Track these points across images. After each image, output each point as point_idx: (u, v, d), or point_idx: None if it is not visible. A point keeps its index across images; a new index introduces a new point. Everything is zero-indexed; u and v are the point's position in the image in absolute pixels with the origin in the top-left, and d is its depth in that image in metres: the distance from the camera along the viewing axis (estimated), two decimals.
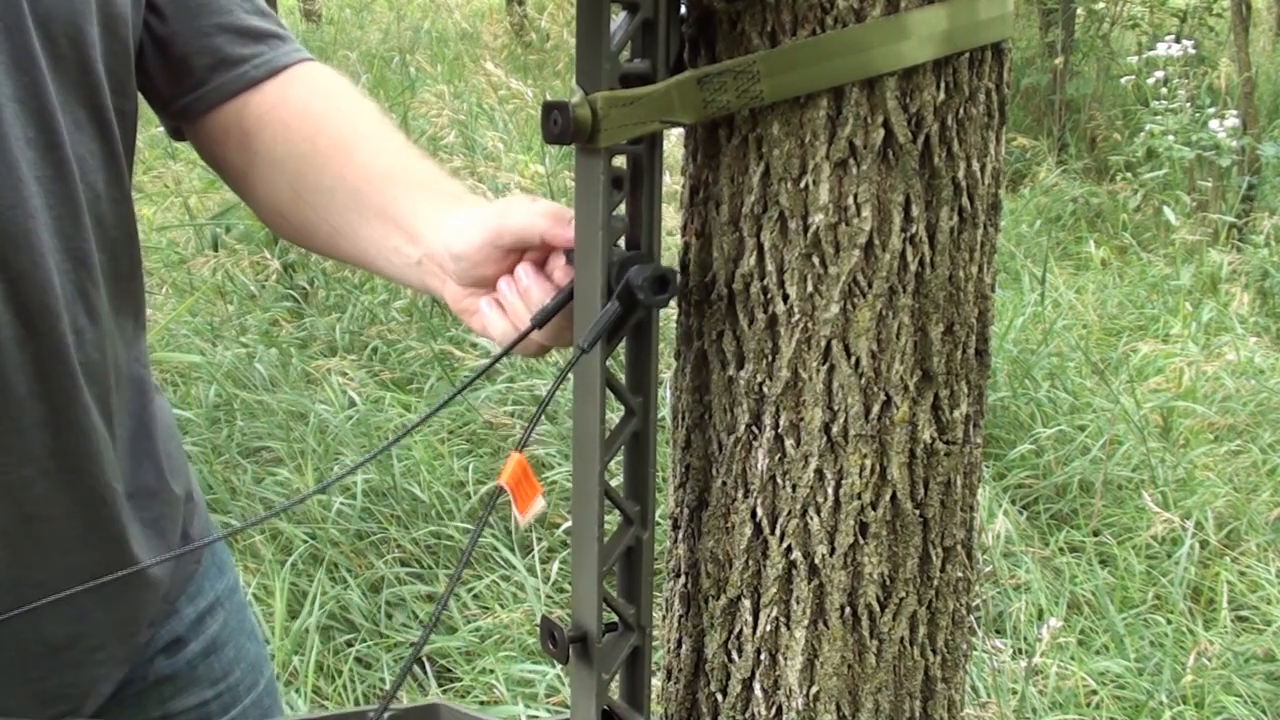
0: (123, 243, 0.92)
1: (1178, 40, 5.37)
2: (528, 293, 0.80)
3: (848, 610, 0.74)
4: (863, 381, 0.71)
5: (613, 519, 0.73)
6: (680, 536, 0.80)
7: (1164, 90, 5.19)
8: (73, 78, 0.84)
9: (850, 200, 0.68)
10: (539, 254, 0.81)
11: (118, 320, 0.92)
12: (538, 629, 2.43)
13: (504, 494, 0.68)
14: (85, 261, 0.86)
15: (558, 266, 0.80)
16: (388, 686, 2.29)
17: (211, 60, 0.95)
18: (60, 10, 0.82)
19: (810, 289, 0.70)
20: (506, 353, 0.81)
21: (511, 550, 2.60)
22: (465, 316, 0.86)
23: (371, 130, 0.97)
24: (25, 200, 0.80)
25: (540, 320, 0.76)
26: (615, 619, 0.76)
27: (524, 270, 0.81)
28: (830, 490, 0.72)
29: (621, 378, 0.74)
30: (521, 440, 0.68)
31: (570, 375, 0.71)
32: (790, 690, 0.75)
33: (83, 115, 0.86)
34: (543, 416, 3.00)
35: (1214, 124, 4.92)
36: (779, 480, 0.73)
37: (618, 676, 0.77)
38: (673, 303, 0.80)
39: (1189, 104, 5.11)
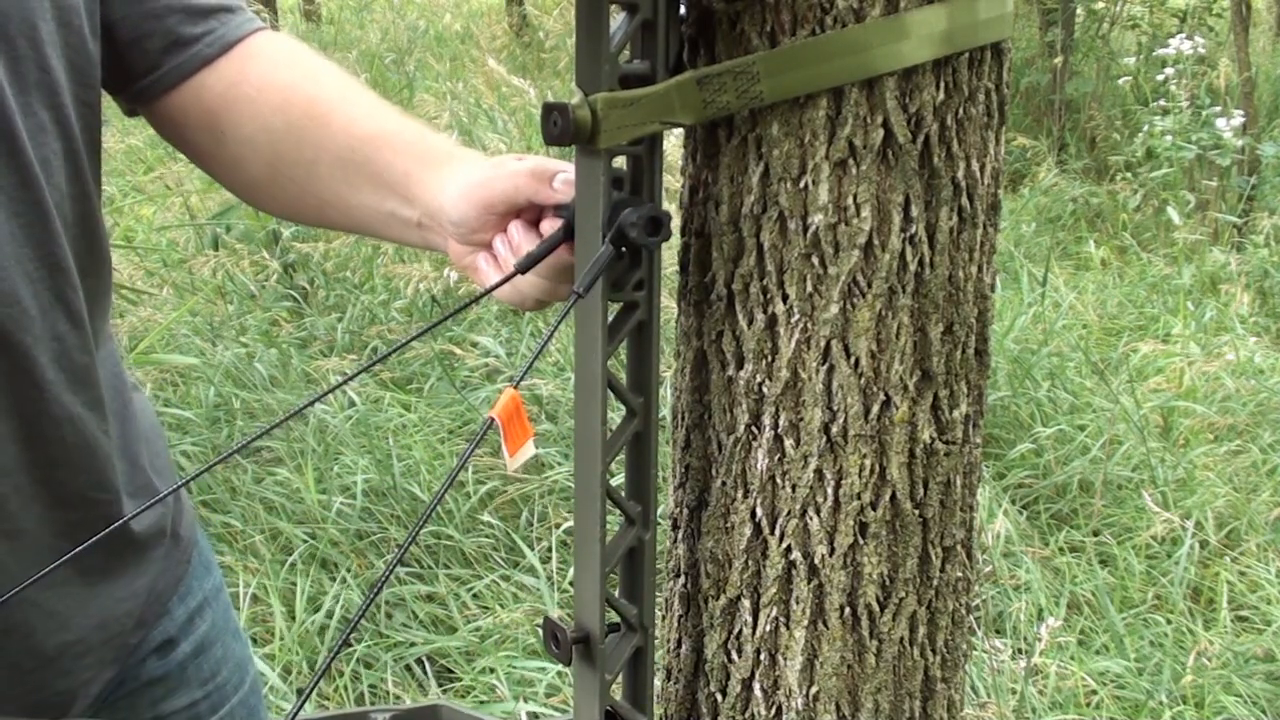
0: (85, 240, 0.89)
1: (1189, 38, 5.36)
2: (519, 249, 0.81)
3: (847, 610, 0.74)
4: (862, 381, 0.71)
5: (614, 520, 0.73)
6: (680, 537, 0.80)
7: (1169, 89, 5.18)
8: (32, 79, 0.82)
9: (850, 200, 0.68)
10: (532, 212, 0.83)
11: (96, 321, 0.91)
12: (538, 629, 2.43)
13: (494, 426, 0.67)
14: (61, 266, 0.84)
15: (547, 220, 0.81)
16: (389, 688, 2.29)
17: (163, 42, 0.92)
18: (13, 10, 0.80)
19: (810, 289, 0.70)
20: (488, 293, 0.82)
21: (511, 549, 2.60)
22: (469, 273, 0.87)
23: (342, 93, 0.95)
24: None
25: (524, 266, 0.77)
26: (618, 619, 0.76)
27: (515, 228, 0.83)
28: (830, 490, 0.72)
29: (623, 378, 0.74)
30: (518, 377, 0.68)
31: (572, 372, 0.71)
32: (790, 690, 0.75)
33: (45, 117, 0.83)
34: (543, 415, 3.01)
35: (1220, 122, 4.91)
36: (778, 480, 0.73)
37: (620, 677, 0.77)
38: (672, 303, 0.80)
39: (1189, 103, 5.11)
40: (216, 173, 1.00)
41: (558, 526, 2.66)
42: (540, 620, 2.35)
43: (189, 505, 1.07)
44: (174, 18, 0.92)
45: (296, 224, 0.94)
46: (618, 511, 0.75)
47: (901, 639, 0.75)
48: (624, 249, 0.70)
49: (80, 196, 0.88)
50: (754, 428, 0.73)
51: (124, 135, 5.25)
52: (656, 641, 0.79)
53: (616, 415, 0.76)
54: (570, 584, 2.49)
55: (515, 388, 0.67)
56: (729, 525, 0.76)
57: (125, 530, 0.94)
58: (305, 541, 2.60)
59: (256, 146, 0.94)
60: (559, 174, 0.80)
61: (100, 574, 0.93)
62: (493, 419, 0.66)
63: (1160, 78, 5.36)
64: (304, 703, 0.55)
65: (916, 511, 0.73)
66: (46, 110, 0.84)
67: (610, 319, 0.71)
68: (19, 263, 0.81)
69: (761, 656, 0.76)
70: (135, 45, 0.92)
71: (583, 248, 0.71)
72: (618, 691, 0.78)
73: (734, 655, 0.77)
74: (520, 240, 0.82)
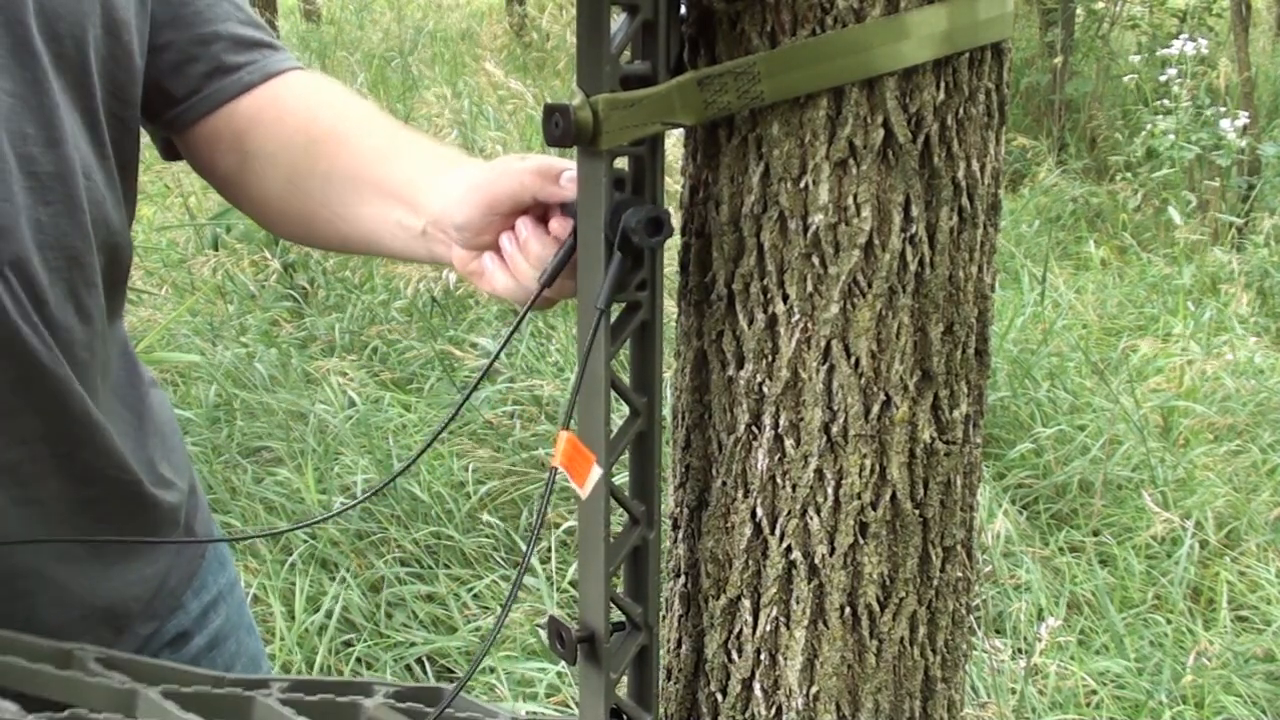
0: (122, 250, 0.93)
1: (1192, 39, 5.36)
2: (527, 245, 0.81)
3: (848, 610, 0.74)
4: (862, 381, 0.71)
5: (614, 521, 0.73)
6: (680, 536, 0.80)
7: (1174, 88, 5.18)
8: (74, 78, 0.85)
9: (850, 200, 0.68)
10: (538, 209, 0.83)
11: (108, 321, 0.93)
12: (539, 629, 2.43)
13: (558, 474, 0.69)
14: (80, 261, 0.86)
15: (554, 218, 0.81)
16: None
17: (208, 67, 0.96)
18: (66, 10, 0.83)
19: (810, 289, 0.70)
20: (525, 316, 0.82)
21: (511, 549, 2.60)
22: (473, 279, 0.88)
23: (364, 116, 0.98)
24: (12, 195, 0.81)
25: (547, 280, 0.77)
26: (622, 618, 0.76)
27: (523, 224, 0.82)
28: (830, 490, 0.72)
29: (625, 378, 0.75)
30: (565, 418, 0.69)
31: (573, 373, 0.71)
32: (790, 690, 0.75)
33: (80, 118, 0.86)
34: (543, 416, 3.01)
35: (1224, 123, 4.91)
36: (779, 480, 0.73)
37: (625, 675, 0.77)
38: (672, 303, 0.80)
39: (1190, 103, 5.11)
40: (240, 195, 1.02)
41: (558, 526, 2.66)
42: (541, 620, 2.35)
43: (204, 501, 1.08)
44: (220, 44, 0.96)
45: (311, 246, 0.98)
46: (618, 512, 0.75)
47: (902, 639, 0.75)
48: (625, 250, 0.70)
49: (115, 203, 0.91)
50: (754, 427, 0.73)
51: None
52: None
53: (617, 416, 0.76)
54: (570, 584, 2.49)
55: (566, 428, 0.68)
56: (729, 525, 0.76)
57: (140, 517, 0.96)
58: (305, 541, 2.60)
59: (277, 163, 0.97)
60: (565, 171, 0.80)
61: (117, 555, 0.95)
62: (556, 468, 0.67)
63: (1163, 78, 5.35)
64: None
65: (916, 511, 0.73)
66: (81, 113, 0.86)
67: (613, 319, 0.71)
68: (40, 249, 0.83)
69: (762, 656, 0.76)
70: (180, 69, 0.95)
71: (584, 249, 0.71)
72: (622, 691, 0.78)
73: (734, 655, 0.77)
74: (528, 236, 0.81)
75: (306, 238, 1.02)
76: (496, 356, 0.82)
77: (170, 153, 1.03)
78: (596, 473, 0.69)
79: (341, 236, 0.97)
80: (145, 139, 0.99)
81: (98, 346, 0.90)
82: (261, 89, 0.98)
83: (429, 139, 0.96)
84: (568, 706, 2.17)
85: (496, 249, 0.85)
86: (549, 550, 2.59)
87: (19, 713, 0.69)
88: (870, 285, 0.69)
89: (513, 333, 0.84)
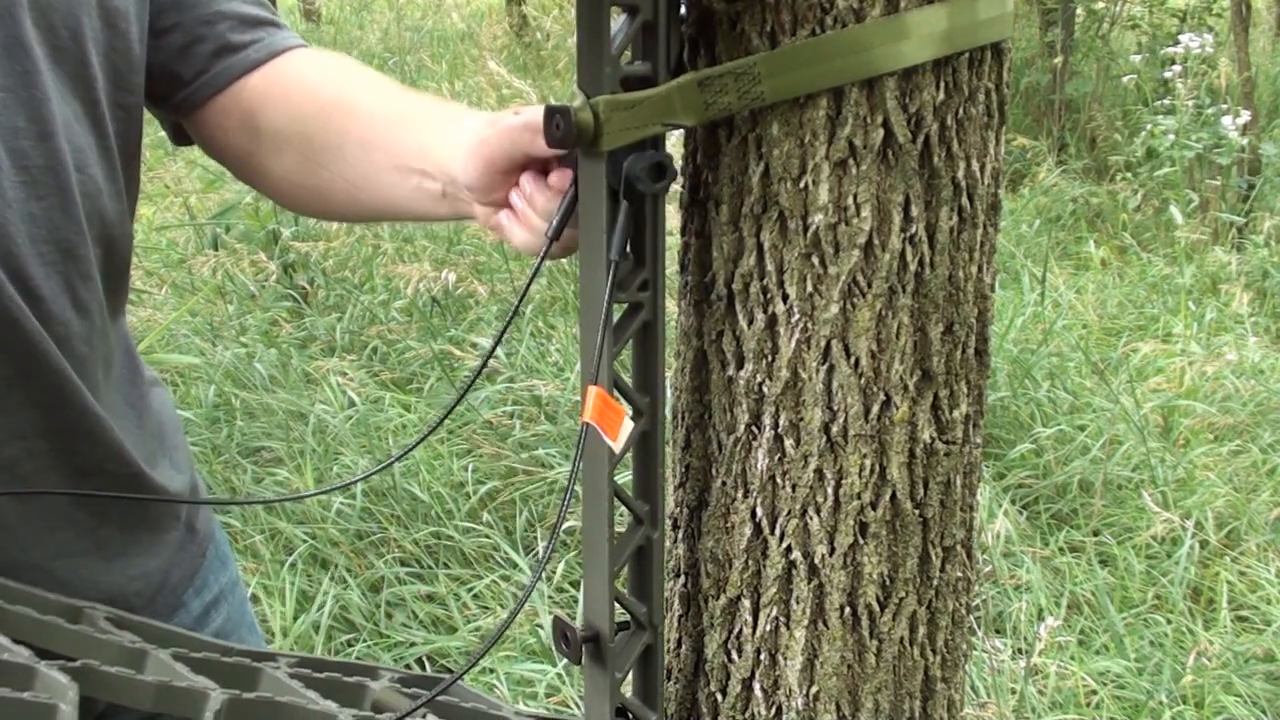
0: (121, 241, 0.92)
1: (1197, 34, 5.36)
2: (533, 199, 0.81)
3: (847, 610, 0.74)
4: (862, 381, 0.71)
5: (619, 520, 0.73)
6: (680, 536, 0.80)
7: (1174, 87, 5.17)
8: (70, 69, 0.85)
9: (850, 200, 0.69)
10: (537, 163, 0.82)
11: (109, 316, 0.93)
12: (538, 629, 2.42)
13: (589, 430, 0.68)
14: (74, 254, 0.86)
15: (554, 170, 0.81)
16: None
17: (214, 47, 0.96)
18: (60, 1, 0.83)
19: (810, 289, 0.70)
20: (540, 267, 0.81)
21: (515, 549, 2.60)
22: (497, 233, 0.87)
23: (370, 84, 0.98)
24: (3, 190, 0.81)
25: (554, 233, 0.77)
26: (626, 618, 0.76)
27: (526, 180, 0.82)
28: (830, 490, 0.72)
29: (628, 379, 0.75)
30: (596, 372, 0.68)
31: (572, 373, 0.70)
32: (790, 690, 0.75)
33: (79, 108, 0.86)
34: (543, 416, 3.01)
35: (1225, 121, 4.91)
36: (779, 480, 0.73)
37: (630, 675, 0.77)
38: (673, 303, 0.80)
39: (1190, 102, 5.11)
40: (255, 175, 1.02)
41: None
42: (539, 620, 2.35)
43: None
44: (225, 24, 0.96)
45: (332, 219, 0.99)
46: (620, 511, 0.75)
47: (901, 639, 0.75)
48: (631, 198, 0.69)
49: (114, 195, 0.90)
50: (754, 427, 0.73)
51: None
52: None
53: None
54: (568, 584, 2.49)
55: (595, 384, 0.68)
56: (729, 525, 0.76)
57: (140, 511, 0.96)
58: (305, 541, 2.60)
59: (289, 136, 0.97)
60: None
61: (117, 550, 0.95)
62: (588, 424, 0.67)
63: (1166, 75, 5.35)
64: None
65: (916, 511, 0.73)
66: (81, 103, 0.86)
67: (615, 320, 0.71)
68: (33, 243, 0.83)
69: (761, 656, 0.76)
70: (187, 50, 0.95)
71: (586, 249, 0.71)
72: (627, 690, 0.78)
73: (734, 655, 0.77)
74: (532, 191, 0.81)
75: (326, 211, 1.02)
76: (507, 327, 0.81)
77: (181, 137, 1.03)
78: (629, 426, 0.69)
79: (360, 206, 0.97)
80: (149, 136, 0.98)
81: (97, 340, 0.90)
82: (268, 66, 0.98)
83: (435, 99, 0.95)
84: (568, 706, 2.17)
85: (509, 205, 0.84)
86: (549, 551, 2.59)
87: (31, 658, 0.68)
88: (870, 285, 0.70)
89: (520, 302, 0.83)
